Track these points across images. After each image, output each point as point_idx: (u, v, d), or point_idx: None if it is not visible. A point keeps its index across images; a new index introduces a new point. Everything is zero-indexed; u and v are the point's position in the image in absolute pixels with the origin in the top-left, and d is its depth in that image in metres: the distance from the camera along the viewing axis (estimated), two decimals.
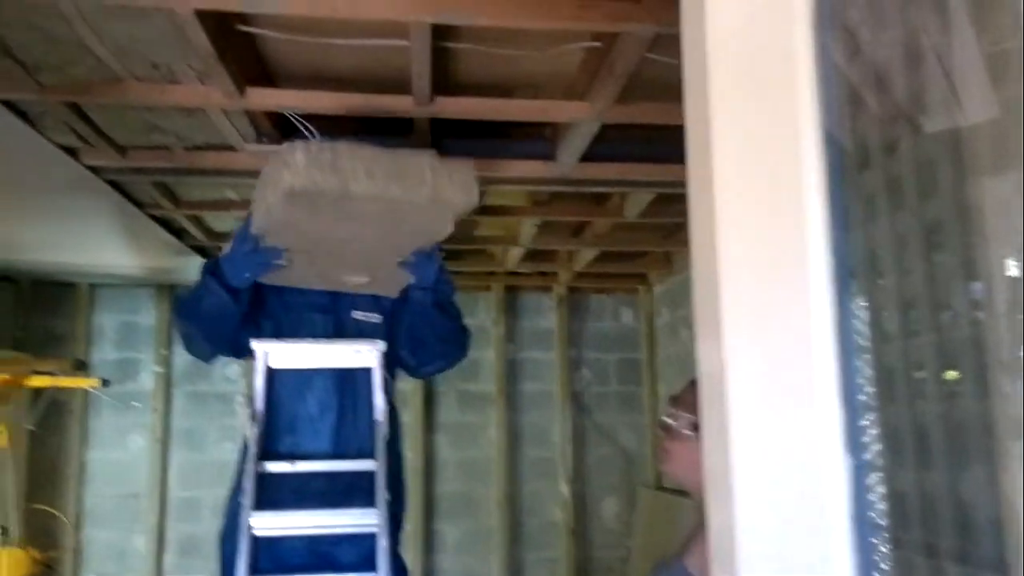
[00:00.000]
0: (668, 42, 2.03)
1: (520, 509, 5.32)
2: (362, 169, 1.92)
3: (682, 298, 4.92)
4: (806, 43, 0.84)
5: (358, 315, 2.45)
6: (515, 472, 5.34)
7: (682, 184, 3.13)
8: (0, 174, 3.06)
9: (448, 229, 2.17)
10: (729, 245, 0.82)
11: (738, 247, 0.82)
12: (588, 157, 2.86)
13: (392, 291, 2.45)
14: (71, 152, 2.83)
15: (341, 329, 2.43)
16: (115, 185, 3.20)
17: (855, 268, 0.96)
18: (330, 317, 2.44)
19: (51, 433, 5.00)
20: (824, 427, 0.79)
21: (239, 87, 2.31)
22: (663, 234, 4.28)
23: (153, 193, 3.33)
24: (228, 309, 2.25)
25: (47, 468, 5.02)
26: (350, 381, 2.38)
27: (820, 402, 0.79)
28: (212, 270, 2.25)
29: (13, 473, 3.92)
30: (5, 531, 3.78)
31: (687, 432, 1.66)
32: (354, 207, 2.01)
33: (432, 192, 1.99)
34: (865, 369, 0.94)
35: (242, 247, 2.23)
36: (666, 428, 1.74)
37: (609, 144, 2.85)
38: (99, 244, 4.18)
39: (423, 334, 2.42)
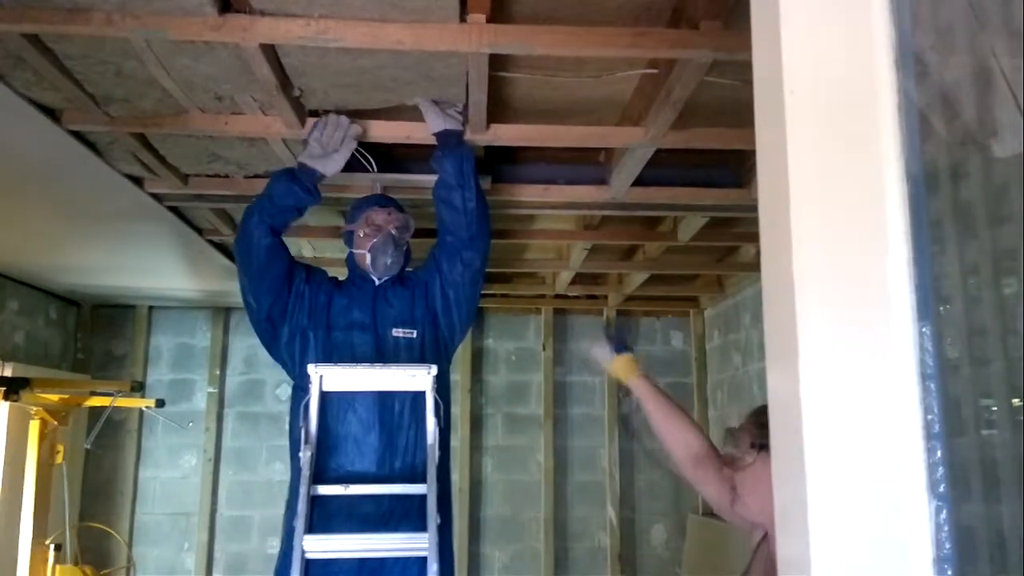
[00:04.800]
0: (725, 66, 2.03)
1: (567, 534, 5.28)
2: None
3: (733, 322, 4.87)
4: (887, 70, 0.84)
5: (398, 332, 2.48)
6: (562, 496, 5.31)
7: (735, 208, 3.14)
8: (68, 202, 3.16)
9: None
10: (806, 273, 0.81)
11: (816, 275, 0.82)
12: (641, 181, 2.86)
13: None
14: (136, 180, 2.91)
15: (381, 346, 2.47)
16: (176, 211, 3.28)
17: (927, 295, 0.95)
18: (370, 335, 2.47)
19: (107, 452, 5.11)
20: (906, 458, 0.78)
21: (300, 117, 2.36)
22: (716, 257, 4.25)
23: (212, 219, 3.41)
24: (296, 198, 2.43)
25: (102, 486, 5.14)
26: (391, 401, 2.40)
27: (902, 431, 0.78)
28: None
29: (68, 491, 4.01)
30: (59, 548, 3.85)
31: (749, 459, 1.61)
32: None
33: None
34: (929, 398, 0.92)
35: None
36: (730, 461, 1.68)
37: (662, 168, 2.85)
38: (158, 268, 4.29)
39: (467, 204, 2.43)
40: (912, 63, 0.92)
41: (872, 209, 0.83)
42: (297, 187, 2.40)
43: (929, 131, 1.09)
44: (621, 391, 5.38)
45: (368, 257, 2.52)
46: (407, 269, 2.66)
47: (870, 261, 0.81)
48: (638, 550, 5.29)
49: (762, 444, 1.60)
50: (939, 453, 0.80)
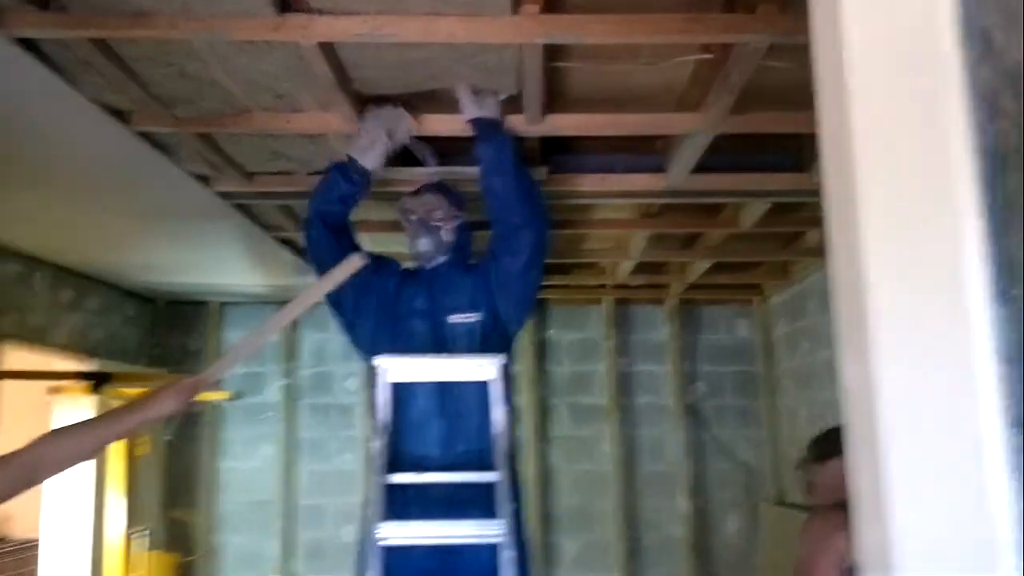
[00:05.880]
0: (783, 50, 1.99)
1: (638, 524, 5.26)
2: None
3: (801, 309, 4.77)
4: (953, 47, 0.82)
5: (455, 319, 2.49)
6: (632, 486, 5.29)
7: (799, 193, 3.06)
8: (139, 202, 3.27)
9: None
10: (876, 257, 0.80)
11: (886, 259, 0.80)
12: (700, 168, 2.82)
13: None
14: (203, 179, 2.99)
15: (439, 333, 2.48)
16: (242, 209, 3.37)
17: (1002, 276, 0.92)
18: (428, 322, 2.50)
19: (187, 443, 5.29)
20: (985, 443, 0.76)
21: (357, 113, 2.39)
22: (780, 244, 4.17)
23: (277, 216, 3.48)
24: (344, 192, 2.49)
25: (185, 476, 5.31)
26: (455, 390, 2.42)
27: (980, 416, 0.76)
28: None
29: (153, 481, 4.16)
30: (146, 535, 4.00)
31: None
32: None
33: None
34: (1007, 382, 0.89)
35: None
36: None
37: (722, 154, 2.81)
38: (228, 265, 4.40)
39: (508, 191, 2.40)
40: (978, 39, 0.89)
41: (942, 189, 0.81)
42: (340, 176, 2.44)
43: (997, 109, 1.06)
44: (687, 380, 5.34)
45: (409, 246, 2.57)
46: (470, 259, 2.67)
47: (942, 242, 0.79)
48: (712, 540, 5.24)
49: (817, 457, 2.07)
50: (1020, 438, 0.77)
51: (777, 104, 2.41)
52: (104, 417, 2.01)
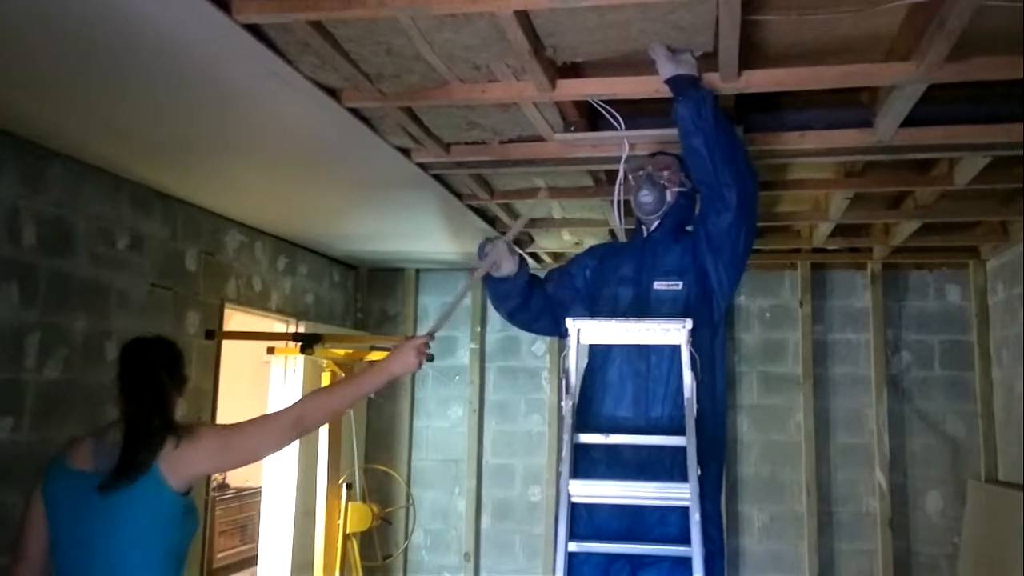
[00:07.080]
0: None
1: (830, 497, 5.09)
2: None
3: (1021, 273, 4.38)
4: None
5: (660, 285, 2.50)
6: (824, 458, 5.11)
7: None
8: (346, 175, 3.49)
9: None
10: None
11: None
12: (910, 121, 2.65)
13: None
14: (404, 152, 3.15)
15: (643, 299, 2.50)
16: (439, 179, 3.51)
17: None
18: (633, 289, 2.52)
19: (386, 402, 5.63)
20: None
21: (550, 80, 2.42)
22: (999, 201, 3.83)
23: (471, 184, 3.61)
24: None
25: (383, 433, 5.67)
26: (649, 353, 2.42)
27: None
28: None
29: (355, 437, 4.46)
30: (350, 487, 4.31)
31: None
32: None
33: None
34: None
35: None
36: None
37: (935, 106, 2.62)
38: (424, 233, 4.61)
39: (711, 149, 2.34)
40: None
41: None
42: (492, 286, 2.66)
43: None
44: (890, 349, 5.06)
45: (632, 201, 2.61)
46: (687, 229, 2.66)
47: None
48: (910, 517, 4.98)
49: None
50: None
51: (999, 49, 2.22)
52: (354, 377, 2.21)
